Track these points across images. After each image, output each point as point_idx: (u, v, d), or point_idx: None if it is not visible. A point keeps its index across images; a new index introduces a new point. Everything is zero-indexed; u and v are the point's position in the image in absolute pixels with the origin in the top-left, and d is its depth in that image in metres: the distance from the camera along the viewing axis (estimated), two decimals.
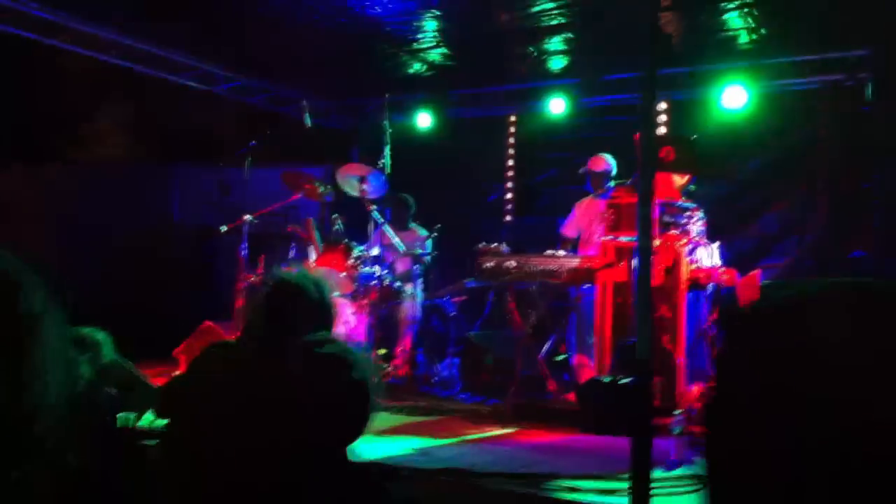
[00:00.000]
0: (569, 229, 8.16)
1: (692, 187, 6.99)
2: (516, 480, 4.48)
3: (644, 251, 3.16)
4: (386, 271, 8.06)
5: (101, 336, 3.99)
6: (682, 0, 7.66)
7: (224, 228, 8.31)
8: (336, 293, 2.98)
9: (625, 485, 3.03)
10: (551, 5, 7.88)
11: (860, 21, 7.79)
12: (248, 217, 8.20)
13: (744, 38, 8.44)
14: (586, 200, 8.14)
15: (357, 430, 3.04)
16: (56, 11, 7.93)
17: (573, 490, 4.28)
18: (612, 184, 7.80)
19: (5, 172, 8.60)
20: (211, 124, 10.53)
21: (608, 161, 8.05)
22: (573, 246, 8.00)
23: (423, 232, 8.76)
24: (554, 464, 4.91)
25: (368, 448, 5.29)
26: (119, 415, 4.28)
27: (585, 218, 8.03)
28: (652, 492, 2.98)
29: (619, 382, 5.73)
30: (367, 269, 7.95)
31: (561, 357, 7.64)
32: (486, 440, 5.84)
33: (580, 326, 7.26)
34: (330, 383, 2.97)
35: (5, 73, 8.00)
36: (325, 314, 3.40)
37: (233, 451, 2.88)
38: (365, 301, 7.87)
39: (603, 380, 5.99)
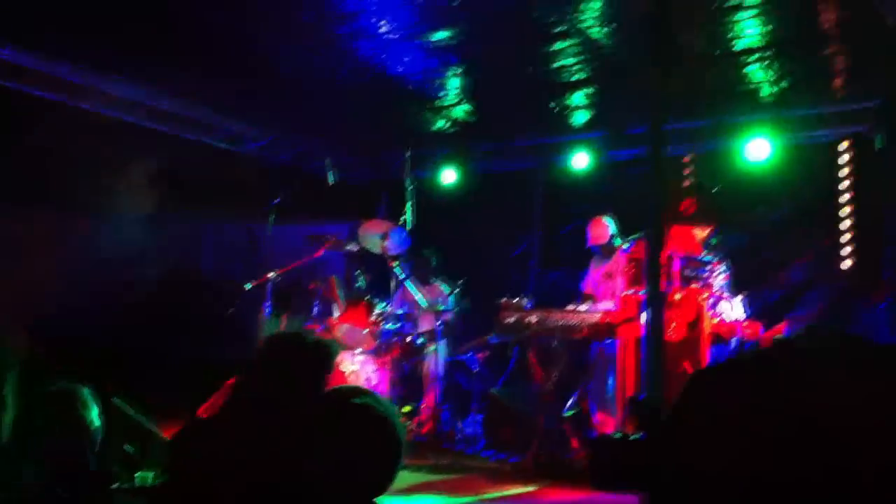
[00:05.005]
0: (587, 285, 8.18)
1: (714, 240, 6.95)
2: None
3: (654, 302, 3.14)
4: (409, 327, 8.06)
5: (84, 391, 3.90)
6: (703, 53, 7.66)
7: (249, 286, 8.34)
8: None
9: None
10: (572, 61, 7.91)
11: (875, 73, 7.78)
12: (272, 274, 8.24)
13: (766, 91, 8.43)
14: (596, 259, 8.17)
15: (385, 481, 2.92)
16: (86, 75, 8.07)
17: None
18: (634, 236, 7.77)
19: (28, 222, 8.72)
20: (236, 181, 10.61)
21: (606, 224, 8.06)
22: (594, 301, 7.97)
23: (446, 288, 8.75)
24: None
25: None
26: (137, 474, 4.27)
27: (594, 277, 8.06)
28: None
29: (629, 438, 5.64)
30: (389, 326, 7.97)
31: (582, 412, 7.55)
32: (506, 498, 5.78)
33: (599, 382, 7.19)
34: (361, 433, 2.89)
35: (28, 129, 8.13)
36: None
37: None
38: (388, 357, 7.88)
39: (613, 436, 5.90)
